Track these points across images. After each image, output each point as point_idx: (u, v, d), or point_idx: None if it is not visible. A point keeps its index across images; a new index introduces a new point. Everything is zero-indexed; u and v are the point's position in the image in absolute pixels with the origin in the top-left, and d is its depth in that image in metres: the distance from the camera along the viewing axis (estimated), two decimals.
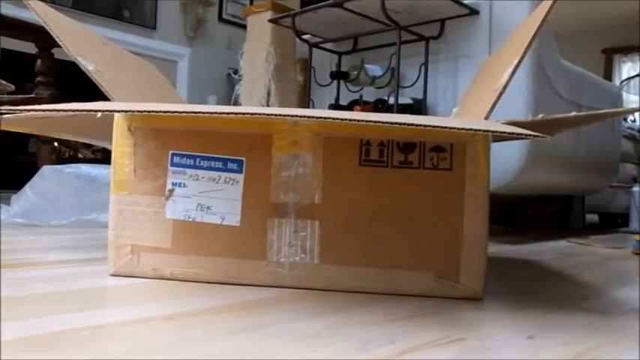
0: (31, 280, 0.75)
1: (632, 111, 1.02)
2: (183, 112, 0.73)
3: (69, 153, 2.90)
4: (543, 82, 1.64)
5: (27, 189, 1.41)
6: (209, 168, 0.78)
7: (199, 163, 0.78)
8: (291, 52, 2.56)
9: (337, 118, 0.64)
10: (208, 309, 0.65)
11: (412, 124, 0.61)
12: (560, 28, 1.77)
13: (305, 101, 2.17)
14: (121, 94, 0.91)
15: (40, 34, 1.81)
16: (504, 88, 0.82)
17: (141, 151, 0.79)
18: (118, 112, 0.77)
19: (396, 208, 0.77)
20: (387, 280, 0.77)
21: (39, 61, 1.88)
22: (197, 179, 0.78)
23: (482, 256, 0.77)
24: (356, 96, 1.94)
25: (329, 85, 2.03)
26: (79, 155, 2.93)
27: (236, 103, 2.71)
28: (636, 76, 4.58)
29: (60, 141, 2.44)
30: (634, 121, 3.19)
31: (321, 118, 0.64)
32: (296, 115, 0.64)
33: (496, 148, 0.97)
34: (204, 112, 0.74)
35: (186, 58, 4.10)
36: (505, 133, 0.60)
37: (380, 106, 1.82)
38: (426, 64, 1.78)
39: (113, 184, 0.80)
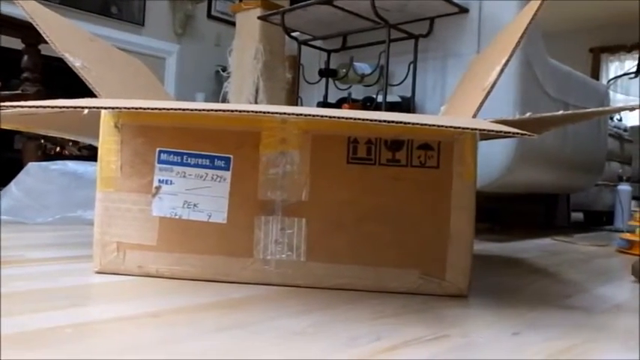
0: (14, 277, 0.74)
1: (618, 110, 1.03)
2: (171, 109, 0.73)
3: (55, 150, 2.88)
4: (531, 80, 1.65)
5: (12, 186, 1.40)
6: (196, 165, 0.78)
7: (186, 160, 0.78)
8: (280, 49, 2.55)
9: (325, 116, 0.64)
10: (193, 306, 0.65)
11: (400, 122, 0.61)
12: (547, 27, 1.78)
13: (293, 99, 2.16)
14: (108, 90, 0.90)
15: (26, 30, 1.79)
16: (492, 87, 0.83)
17: (128, 148, 0.79)
18: (105, 108, 0.77)
19: (383, 205, 0.77)
20: (374, 277, 0.77)
21: (25, 57, 1.87)
22: (184, 176, 0.77)
23: (468, 254, 0.77)
24: (344, 94, 1.94)
25: (317, 82, 2.03)
26: (65, 152, 2.91)
27: (224, 101, 2.70)
28: (623, 75, 4.62)
29: (46, 138, 2.42)
30: (620, 119, 3.22)
31: (309, 115, 0.64)
32: (284, 113, 0.64)
33: (482, 146, 0.98)
34: (192, 110, 0.73)
35: (174, 54, 4.08)
36: (493, 131, 0.61)
37: (368, 104, 1.83)
38: (414, 62, 1.78)
39: (99, 181, 0.79)
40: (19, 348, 0.46)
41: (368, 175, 0.77)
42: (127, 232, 0.78)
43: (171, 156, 0.78)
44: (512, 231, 2.03)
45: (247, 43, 2.54)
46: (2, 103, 0.68)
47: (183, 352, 0.48)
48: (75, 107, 0.64)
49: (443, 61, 1.79)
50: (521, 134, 0.60)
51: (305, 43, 2.09)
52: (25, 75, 1.85)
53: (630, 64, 5.72)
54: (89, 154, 2.91)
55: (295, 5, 1.88)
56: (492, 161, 1.57)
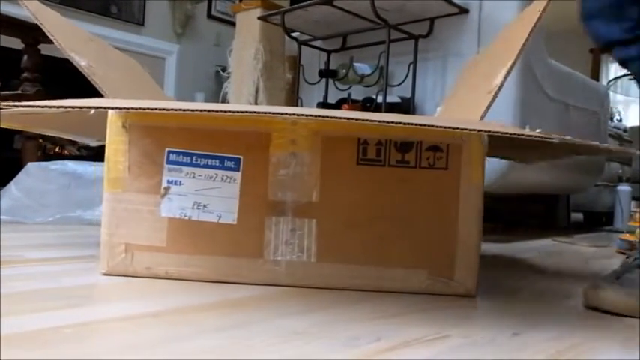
0: (14, 277, 0.74)
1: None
2: (182, 109, 0.73)
3: (54, 150, 2.87)
4: (531, 81, 1.65)
5: (12, 186, 1.39)
6: (206, 166, 0.77)
7: (196, 161, 0.78)
8: (280, 49, 2.55)
9: (337, 117, 0.64)
10: (194, 306, 0.65)
11: (411, 124, 0.62)
12: (547, 28, 1.78)
13: (293, 99, 2.16)
14: (113, 90, 0.90)
15: (26, 30, 1.79)
16: (499, 89, 0.83)
17: (136, 148, 0.78)
18: (120, 109, 0.76)
19: (392, 206, 0.77)
20: (383, 277, 0.77)
21: (25, 58, 1.86)
22: (193, 177, 0.77)
23: (475, 255, 0.78)
24: (344, 94, 1.94)
25: (317, 83, 2.03)
26: (65, 152, 2.90)
27: (224, 101, 2.70)
28: (623, 75, 4.62)
29: (45, 138, 2.42)
30: (620, 120, 3.22)
31: (320, 117, 0.64)
32: (295, 114, 0.64)
33: None
34: (202, 110, 0.73)
35: (174, 54, 4.07)
36: (502, 133, 0.61)
37: (368, 104, 1.82)
38: (414, 62, 1.78)
39: (107, 182, 0.78)
40: (19, 348, 0.46)
41: (377, 176, 0.77)
42: (135, 234, 0.78)
43: (181, 157, 0.78)
44: (512, 231, 2.02)
45: (247, 43, 2.54)
46: (5, 103, 0.68)
47: (184, 351, 0.48)
48: (83, 107, 0.63)
49: (443, 61, 1.79)
50: (528, 136, 0.60)
51: (305, 43, 2.09)
52: (25, 75, 1.85)
53: None
54: (89, 154, 2.91)
55: (295, 5, 1.88)
56: (493, 162, 1.57)
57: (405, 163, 0.78)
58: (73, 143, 2.85)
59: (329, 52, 2.08)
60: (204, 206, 0.77)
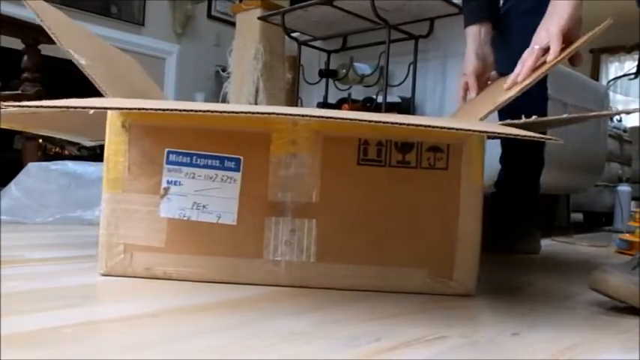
0: (14, 277, 0.74)
1: (619, 113, 1.03)
2: (183, 110, 0.72)
3: (55, 150, 2.87)
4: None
5: (12, 186, 1.39)
6: (206, 166, 0.77)
7: (196, 161, 0.77)
8: (280, 49, 2.55)
9: (337, 118, 0.64)
10: (193, 307, 0.65)
11: (411, 124, 0.62)
12: None
13: (293, 99, 2.16)
14: (114, 89, 0.89)
15: (26, 30, 1.79)
16: (506, 101, 0.84)
17: (135, 148, 0.78)
18: (120, 109, 0.76)
19: (392, 207, 0.77)
20: (383, 277, 0.77)
21: (25, 58, 1.86)
22: (193, 177, 0.77)
23: (475, 255, 0.78)
24: (344, 94, 1.94)
25: (317, 83, 2.03)
26: (65, 152, 2.90)
27: (224, 101, 2.70)
28: (623, 75, 4.62)
29: (45, 138, 2.41)
30: (620, 120, 3.22)
31: (321, 117, 0.64)
32: (296, 115, 0.64)
33: None
34: (203, 111, 0.73)
35: (174, 54, 4.07)
36: (501, 134, 0.61)
37: (368, 104, 1.83)
38: (414, 62, 1.78)
39: (106, 182, 0.78)
40: (19, 348, 0.46)
41: (378, 176, 0.77)
42: (134, 234, 0.78)
43: (180, 157, 0.77)
44: None
45: (247, 43, 2.54)
46: (5, 103, 0.68)
47: (183, 352, 0.48)
48: (83, 107, 0.63)
49: (443, 61, 1.79)
50: (531, 137, 0.60)
51: (305, 43, 2.09)
52: (25, 75, 1.85)
53: (630, 65, 5.72)
54: (89, 154, 2.91)
55: (295, 5, 1.88)
56: (493, 162, 1.57)
57: (406, 164, 0.78)
58: (73, 143, 2.85)
59: (329, 52, 2.08)
60: (204, 206, 0.77)
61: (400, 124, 0.61)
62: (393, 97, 1.81)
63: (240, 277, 0.77)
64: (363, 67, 1.88)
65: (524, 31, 1.03)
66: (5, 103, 0.67)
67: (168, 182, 0.77)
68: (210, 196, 0.77)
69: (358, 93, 1.96)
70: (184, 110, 0.67)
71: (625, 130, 3.13)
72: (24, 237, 1.14)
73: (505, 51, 1.21)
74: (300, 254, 0.77)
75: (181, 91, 4.08)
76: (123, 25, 3.78)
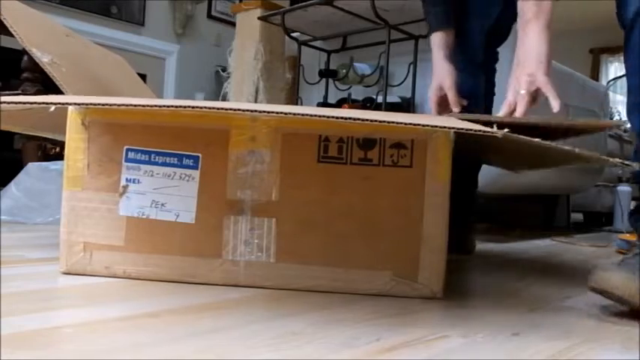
0: (14, 277, 0.74)
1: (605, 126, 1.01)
2: (138, 105, 0.71)
3: (55, 150, 2.87)
4: None
5: (12, 186, 1.39)
6: (164, 164, 0.76)
7: (154, 158, 0.76)
8: (280, 49, 2.55)
9: (296, 114, 0.63)
10: (192, 307, 0.65)
11: (373, 120, 0.60)
12: None
13: (293, 99, 2.16)
14: (79, 87, 0.88)
15: None
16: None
17: (95, 146, 0.77)
18: (70, 104, 0.74)
19: (354, 206, 0.75)
20: (345, 279, 0.75)
21: (25, 58, 1.86)
22: (152, 175, 0.76)
23: (441, 255, 0.75)
24: (344, 94, 1.94)
25: (317, 83, 2.03)
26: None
27: (224, 101, 2.69)
28: (623, 76, 4.60)
29: (45, 138, 2.41)
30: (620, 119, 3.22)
31: (280, 113, 0.62)
32: (254, 110, 0.62)
33: None
34: (159, 106, 0.72)
35: (174, 54, 4.07)
36: (465, 130, 0.60)
37: (368, 104, 1.83)
38: (414, 62, 1.78)
39: (66, 180, 0.77)
40: (19, 348, 0.46)
41: (339, 174, 0.75)
42: (94, 232, 0.77)
43: (139, 154, 0.76)
44: (511, 231, 2.02)
45: (247, 43, 2.54)
46: None
47: (181, 351, 0.48)
48: (40, 103, 0.62)
49: None
50: (490, 132, 0.59)
51: (305, 43, 2.09)
52: (25, 75, 1.85)
53: None
54: None
55: (295, 6, 1.89)
56: None
57: (368, 161, 0.75)
58: None
59: (329, 52, 2.08)
60: (163, 205, 0.76)
61: (361, 120, 0.59)
62: (393, 97, 1.81)
63: (199, 277, 0.76)
64: (363, 67, 1.88)
65: None
66: None
67: (127, 180, 0.76)
68: (169, 195, 0.76)
69: (358, 93, 1.96)
70: (139, 105, 0.66)
71: (625, 131, 3.13)
72: (24, 237, 1.14)
73: None
74: (259, 254, 0.76)
75: (181, 91, 4.08)
76: (123, 25, 3.78)
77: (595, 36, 5.91)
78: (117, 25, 3.74)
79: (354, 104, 1.88)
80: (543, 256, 1.38)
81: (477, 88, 1.22)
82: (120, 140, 0.77)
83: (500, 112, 0.90)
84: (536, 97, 0.91)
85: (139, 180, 0.76)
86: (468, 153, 1.14)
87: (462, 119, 0.73)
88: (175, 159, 0.76)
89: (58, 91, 1.09)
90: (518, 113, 0.89)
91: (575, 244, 1.73)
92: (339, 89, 1.97)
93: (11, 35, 1.83)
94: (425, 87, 1.82)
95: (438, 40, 1.20)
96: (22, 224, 1.31)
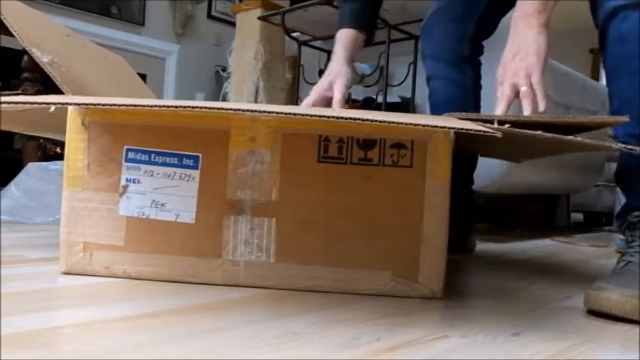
0: (14, 277, 0.74)
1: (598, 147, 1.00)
2: (138, 105, 0.71)
3: (55, 150, 2.87)
4: None
5: (12, 186, 1.39)
6: (164, 164, 0.76)
7: (154, 158, 0.76)
8: (280, 49, 2.55)
9: (296, 114, 0.63)
10: (192, 307, 0.65)
11: (373, 120, 0.60)
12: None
13: (294, 99, 2.16)
14: (78, 87, 0.88)
15: None
16: None
17: (95, 146, 0.77)
18: (70, 104, 0.74)
19: (354, 205, 0.75)
20: (344, 279, 0.75)
21: (25, 58, 1.86)
22: (152, 175, 0.76)
23: (441, 255, 0.75)
24: None
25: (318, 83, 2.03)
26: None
27: (224, 101, 2.70)
28: None
29: (45, 138, 2.41)
30: None
31: (280, 113, 0.62)
32: (255, 110, 0.62)
33: None
34: (160, 106, 0.72)
35: (174, 54, 4.07)
36: (463, 129, 0.60)
37: (368, 104, 1.83)
38: (414, 62, 1.78)
39: (66, 180, 0.77)
40: (19, 348, 0.46)
41: (339, 174, 0.75)
42: (94, 232, 0.77)
43: (139, 154, 0.76)
44: (511, 231, 2.02)
45: (247, 43, 2.54)
46: None
47: (183, 351, 0.48)
48: (40, 103, 0.62)
49: None
50: (493, 133, 0.59)
51: (305, 43, 2.09)
52: (25, 75, 1.85)
53: None
54: None
55: (295, 6, 1.89)
56: (491, 162, 1.57)
57: (368, 161, 0.75)
58: None
59: (329, 52, 2.08)
60: (163, 205, 0.76)
61: (359, 119, 0.59)
62: (393, 97, 1.81)
63: (199, 277, 0.76)
64: (363, 67, 1.88)
65: None
66: None
67: (127, 180, 0.76)
68: (169, 195, 0.76)
69: (358, 93, 1.96)
70: (139, 106, 0.66)
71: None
72: (24, 237, 1.14)
73: None
74: (259, 254, 0.76)
75: (181, 91, 4.08)
76: (123, 25, 3.78)
77: (595, 36, 5.90)
78: (117, 25, 3.74)
79: (354, 104, 1.88)
80: (543, 256, 1.38)
81: (465, 82, 1.21)
82: (120, 140, 0.77)
83: (499, 107, 0.89)
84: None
85: (139, 180, 0.76)
86: (467, 148, 1.13)
87: (463, 119, 0.73)
88: (175, 159, 0.76)
89: (58, 91, 1.09)
90: (528, 112, 0.86)
91: (575, 244, 1.73)
92: None
93: (11, 35, 1.83)
94: (425, 87, 1.82)
95: (344, 39, 1.14)
96: (22, 224, 1.31)
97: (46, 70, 0.84)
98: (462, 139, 0.81)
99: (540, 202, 2.45)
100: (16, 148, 2.47)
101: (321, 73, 1.95)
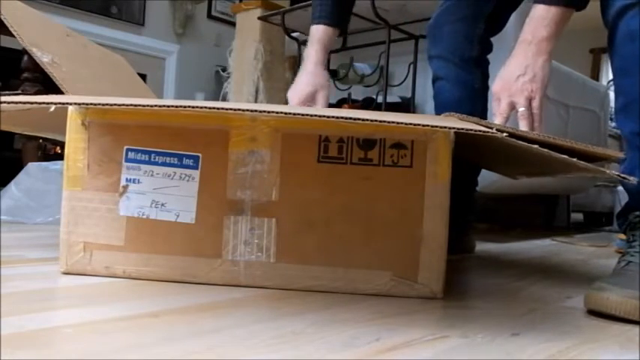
0: (14, 277, 0.74)
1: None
2: (138, 105, 0.71)
3: (55, 150, 2.87)
4: None
5: (12, 186, 1.39)
6: (164, 164, 0.76)
7: (154, 158, 0.76)
8: (280, 49, 2.55)
9: (296, 114, 0.63)
10: (192, 307, 0.65)
11: (373, 120, 0.60)
12: None
13: None
14: (78, 87, 0.88)
15: None
16: None
17: (95, 146, 0.77)
18: (70, 104, 0.74)
19: (354, 205, 0.75)
20: (344, 278, 0.75)
21: (25, 58, 1.86)
22: (152, 175, 0.76)
23: (441, 256, 0.75)
24: (344, 94, 1.94)
25: None
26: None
27: (224, 101, 2.70)
28: None
29: (45, 138, 2.41)
30: None
31: (280, 113, 0.62)
32: (254, 110, 0.62)
33: None
34: (159, 106, 0.72)
35: (174, 54, 4.07)
36: (463, 129, 0.60)
37: (369, 104, 1.83)
38: (414, 62, 1.78)
39: (66, 180, 0.77)
40: (19, 348, 0.46)
41: (339, 174, 0.75)
42: (94, 232, 0.77)
43: (139, 154, 0.76)
44: (511, 231, 2.03)
45: (247, 43, 2.54)
46: None
47: (183, 351, 0.48)
48: (40, 103, 0.62)
49: None
50: (493, 133, 0.59)
51: (305, 43, 2.08)
52: (25, 75, 1.85)
53: None
54: None
55: (295, 5, 1.89)
56: None
57: (368, 161, 0.75)
58: None
59: (329, 52, 2.08)
60: (163, 205, 0.76)
61: (359, 119, 0.59)
62: (393, 97, 1.81)
63: (199, 277, 0.76)
64: (363, 67, 1.88)
65: None
66: None
67: (127, 180, 0.76)
68: (169, 195, 0.76)
69: (358, 93, 1.96)
70: (140, 105, 0.65)
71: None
72: (24, 237, 1.14)
73: None
74: (259, 254, 0.75)
75: (181, 91, 4.08)
76: (123, 25, 3.78)
77: (595, 36, 5.91)
78: (117, 25, 3.74)
79: (354, 104, 1.88)
80: (543, 256, 1.38)
81: (473, 83, 1.19)
82: (120, 140, 0.77)
83: (496, 122, 0.89)
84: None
85: (139, 180, 0.76)
86: (467, 158, 1.13)
87: (464, 120, 0.73)
88: (175, 159, 0.76)
89: (58, 91, 1.09)
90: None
91: (575, 244, 1.73)
92: (339, 89, 1.97)
93: (11, 35, 1.83)
94: (425, 87, 1.82)
95: (319, 36, 1.11)
96: (22, 224, 1.31)
97: (46, 70, 0.84)
98: (460, 147, 0.81)
99: (540, 202, 2.45)
100: (16, 148, 2.48)
101: None
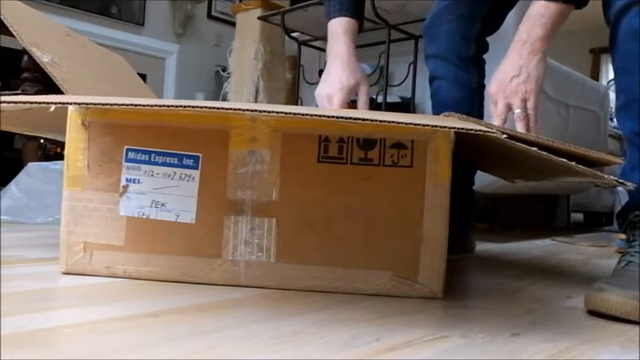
0: (14, 277, 0.74)
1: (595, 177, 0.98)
2: (138, 105, 0.72)
3: (55, 150, 2.87)
4: None
5: (12, 186, 1.39)
6: (164, 164, 0.76)
7: (154, 158, 0.76)
8: (280, 49, 2.55)
9: (296, 114, 0.63)
10: (192, 307, 0.65)
11: (373, 120, 0.60)
12: None
13: (293, 99, 2.16)
14: (78, 87, 0.88)
15: None
16: None
17: (95, 146, 0.77)
18: (70, 104, 0.74)
19: (354, 205, 0.75)
20: (344, 278, 0.75)
21: (25, 58, 1.86)
22: (152, 175, 0.76)
23: (441, 256, 0.75)
24: None
25: (317, 83, 2.03)
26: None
27: (224, 101, 2.70)
28: None
29: (45, 138, 2.41)
30: None
31: (280, 113, 0.62)
32: (255, 110, 0.63)
33: None
34: (159, 106, 0.72)
35: (174, 54, 4.07)
36: (463, 129, 0.60)
37: (368, 104, 1.82)
38: (414, 62, 1.78)
39: (66, 180, 0.77)
40: (19, 348, 0.46)
41: (339, 174, 0.75)
42: (94, 232, 0.77)
43: (139, 154, 0.76)
44: (511, 231, 2.03)
45: (247, 43, 2.54)
46: None
47: (183, 351, 0.48)
48: (40, 103, 0.62)
49: None
50: (493, 133, 0.59)
51: (305, 43, 2.09)
52: (25, 75, 1.85)
53: None
54: None
55: (295, 6, 1.89)
56: None
57: (368, 161, 0.75)
58: None
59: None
60: (163, 205, 0.76)
61: (359, 119, 0.59)
62: (393, 97, 1.81)
63: (199, 277, 0.76)
64: (363, 67, 1.87)
65: None
66: None
67: (127, 180, 0.76)
68: (169, 195, 0.76)
69: None
70: (140, 105, 0.65)
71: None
72: (24, 237, 1.14)
73: None
74: (259, 254, 0.75)
75: (181, 91, 4.08)
76: (123, 25, 3.78)
77: (595, 36, 5.91)
78: (117, 25, 3.74)
79: (354, 104, 1.87)
80: (543, 256, 1.38)
81: (470, 82, 1.19)
82: (120, 140, 0.77)
83: (494, 123, 0.89)
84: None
85: (139, 180, 0.76)
86: (464, 160, 1.13)
87: (463, 120, 0.73)
88: (175, 159, 0.76)
89: (58, 91, 1.09)
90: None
91: (575, 244, 1.73)
92: None
93: (11, 35, 1.83)
94: (425, 87, 1.82)
95: (345, 28, 1.06)
96: (22, 224, 1.31)
97: (46, 70, 0.84)
98: (458, 148, 0.81)
99: (540, 202, 2.45)
100: (16, 148, 2.48)
101: (320, 72, 1.95)
